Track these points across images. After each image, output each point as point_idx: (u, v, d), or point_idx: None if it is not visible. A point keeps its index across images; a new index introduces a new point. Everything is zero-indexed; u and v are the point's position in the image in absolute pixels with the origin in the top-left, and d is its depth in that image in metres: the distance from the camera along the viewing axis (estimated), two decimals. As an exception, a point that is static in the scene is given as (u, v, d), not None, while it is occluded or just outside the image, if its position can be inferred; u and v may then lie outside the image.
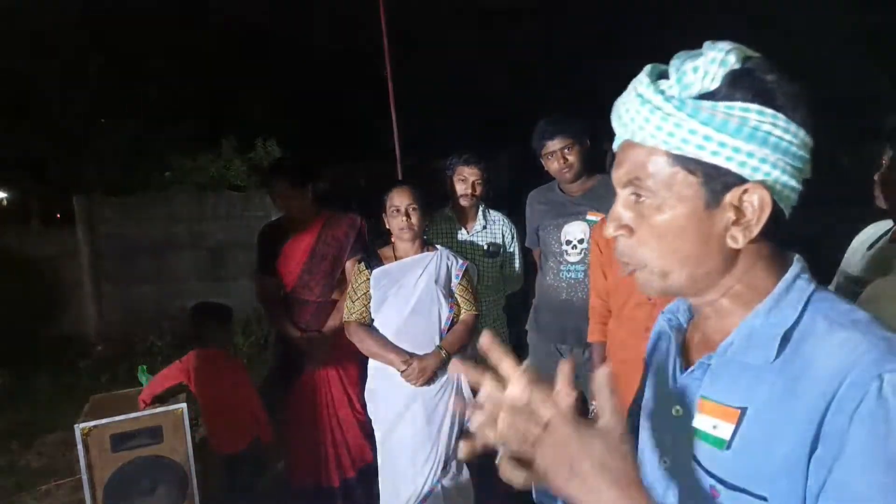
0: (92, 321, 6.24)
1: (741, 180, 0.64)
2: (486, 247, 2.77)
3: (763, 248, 0.69)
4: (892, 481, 0.55)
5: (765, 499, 0.64)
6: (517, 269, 2.89)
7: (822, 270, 1.81)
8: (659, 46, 0.71)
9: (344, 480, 2.76)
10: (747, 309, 0.69)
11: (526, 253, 2.92)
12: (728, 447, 0.67)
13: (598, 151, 2.59)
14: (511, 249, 2.87)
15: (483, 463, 2.67)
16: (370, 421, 2.49)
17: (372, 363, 2.42)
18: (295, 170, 2.74)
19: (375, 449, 2.52)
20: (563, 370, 0.63)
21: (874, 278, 1.55)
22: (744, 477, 0.66)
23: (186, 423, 2.61)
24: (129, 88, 7.76)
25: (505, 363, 0.64)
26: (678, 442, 0.74)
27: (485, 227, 2.80)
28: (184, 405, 2.63)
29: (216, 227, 6.43)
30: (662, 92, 0.65)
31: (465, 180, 2.72)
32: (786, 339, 0.66)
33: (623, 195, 0.71)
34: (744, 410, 0.67)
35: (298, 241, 2.78)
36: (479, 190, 2.74)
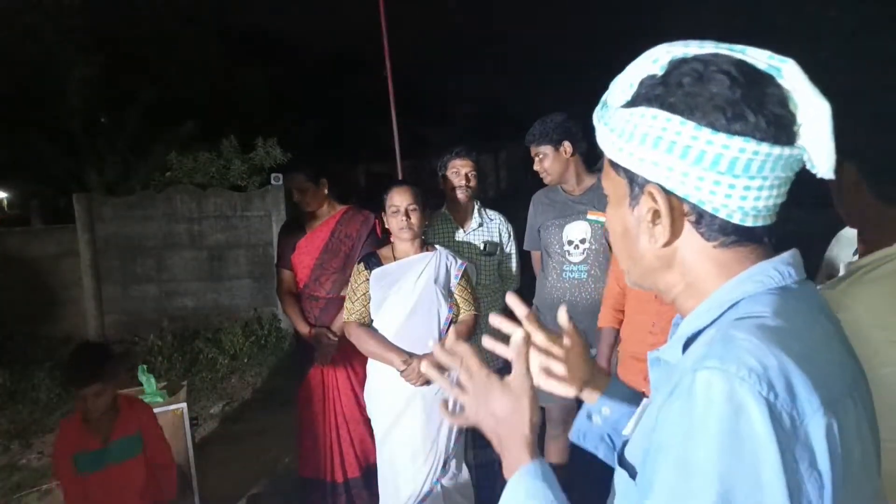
0: (92, 321, 6.24)
1: (646, 181, 0.67)
2: (483, 245, 2.78)
3: (707, 251, 0.67)
4: (682, 484, 0.55)
5: (634, 477, 0.69)
6: (514, 267, 2.90)
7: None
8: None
9: (348, 478, 2.77)
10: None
11: (524, 253, 2.92)
12: (635, 427, 0.75)
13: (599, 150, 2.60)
14: (508, 248, 2.87)
15: (483, 463, 2.68)
16: (372, 419, 2.50)
17: (371, 363, 2.42)
18: (310, 164, 2.84)
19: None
20: (514, 340, 0.80)
21: None
22: (630, 457, 0.73)
23: (186, 423, 2.62)
24: (129, 88, 7.75)
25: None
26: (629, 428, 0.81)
27: (481, 226, 2.81)
28: (184, 405, 2.64)
29: (216, 227, 6.43)
30: (604, 102, 0.71)
31: (458, 173, 2.74)
32: (694, 339, 0.67)
33: None
34: (647, 401, 0.74)
35: (313, 236, 2.84)
36: (472, 182, 2.75)
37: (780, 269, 0.66)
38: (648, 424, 0.68)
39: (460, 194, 2.74)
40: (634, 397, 0.91)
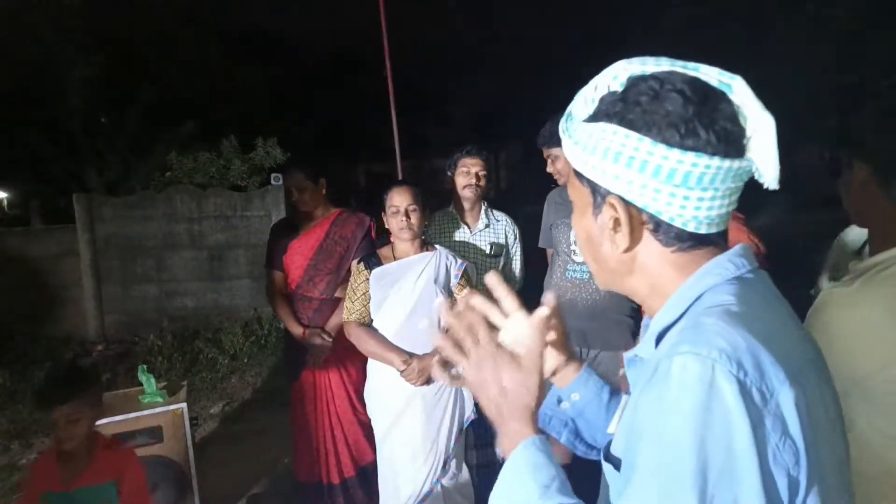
0: (92, 321, 6.24)
1: (608, 192, 0.71)
2: (488, 247, 2.77)
3: (666, 256, 0.71)
4: (661, 460, 0.58)
5: (619, 469, 0.71)
6: (518, 269, 2.89)
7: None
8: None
9: (344, 479, 2.77)
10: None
11: (527, 253, 2.93)
12: (616, 426, 0.78)
13: None
14: (513, 249, 2.87)
15: (483, 463, 2.68)
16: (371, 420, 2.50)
17: (371, 363, 2.42)
18: (310, 163, 2.82)
19: (376, 448, 2.52)
20: (536, 316, 0.81)
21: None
22: (616, 450, 0.75)
23: (186, 423, 2.62)
24: (129, 88, 7.75)
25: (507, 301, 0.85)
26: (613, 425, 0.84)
27: (488, 226, 2.80)
28: (184, 405, 2.63)
29: (216, 227, 6.44)
30: (569, 114, 0.75)
31: (469, 172, 2.72)
32: (665, 334, 0.70)
33: None
34: (627, 398, 0.77)
35: (307, 237, 2.82)
36: (483, 181, 2.74)
37: (734, 260, 0.70)
38: (628, 419, 0.71)
39: (470, 193, 2.72)
40: (604, 387, 0.95)
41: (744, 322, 0.63)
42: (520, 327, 0.84)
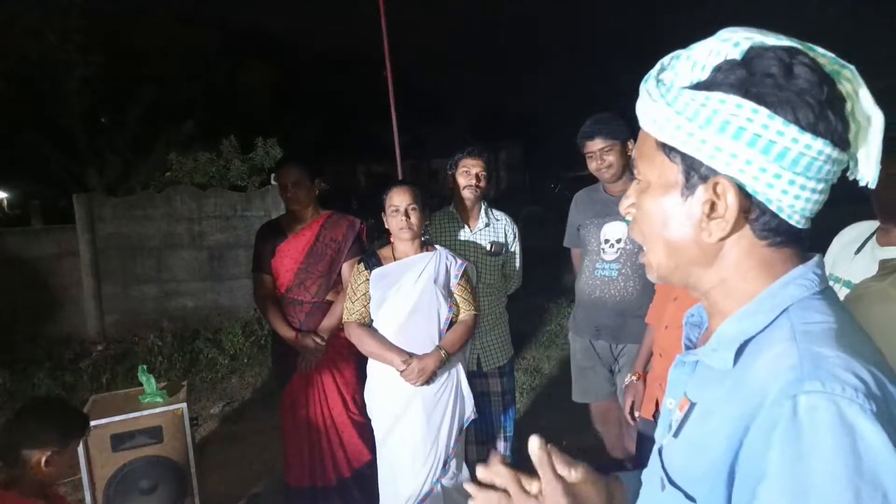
0: (92, 321, 6.24)
1: (715, 173, 0.63)
2: (489, 246, 2.78)
3: (756, 249, 0.65)
4: None
5: (694, 500, 0.64)
6: (517, 268, 2.90)
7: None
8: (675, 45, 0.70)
9: (340, 480, 2.76)
10: (736, 311, 0.67)
11: (526, 253, 2.93)
12: (675, 436, 0.69)
13: None
14: (513, 248, 2.87)
15: (483, 463, 2.67)
16: (367, 421, 2.50)
17: (371, 363, 2.42)
18: (307, 161, 2.79)
19: (372, 449, 2.52)
20: (532, 451, 0.76)
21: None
22: (680, 473, 0.67)
23: (186, 423, 2.61)
24: (129, 88, 7.76)
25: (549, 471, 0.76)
26: (662, 434, 0.76)
27: (487, 226, 2.80)
28: (184, 405, 2.63)
29: (216, 227, 6.43)
30: (660, 80, 0.66)
31: (469, 172, 2.71)
32: (745, 346, 0.64)
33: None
34: (693, 405, 0.68)
35: (296, 240, 2.78)
36: (483, 182, 2.74)
37: (816, 272, 0.65)
38: (701, 437, 0.64)
39: (470, 193, 2.72)
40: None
41: (856, 349, 0.58)
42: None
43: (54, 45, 7.31)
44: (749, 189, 0.62)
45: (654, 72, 0.68)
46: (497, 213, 2.87)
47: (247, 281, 6.45)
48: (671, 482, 0.68)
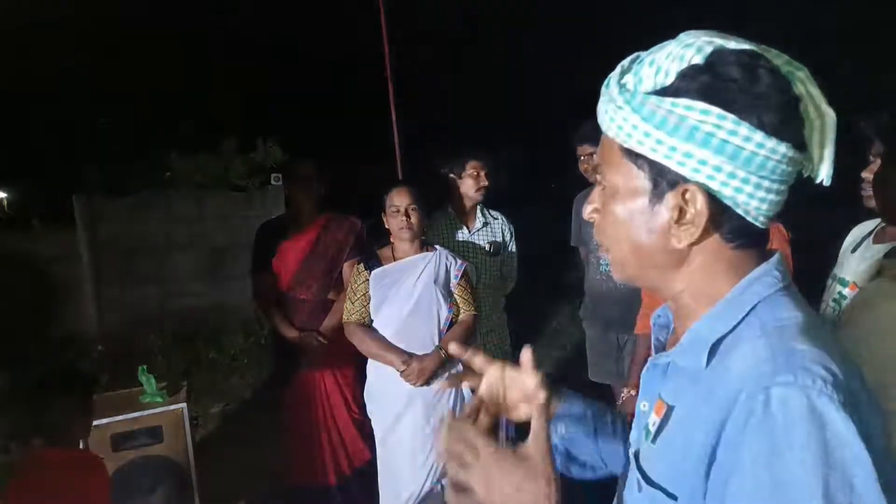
0: (92, 321, 6.23)
1: (684, 180, 0.63)
2: (487, 246, 2.78)
3: (723, 252, 0.66)
4: (779, 499, 0.53)
5: (675, 497, 0.65)
6: (514, 268, 2.91)
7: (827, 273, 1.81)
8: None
9: (341, 480, 2.77)
10: (706, 311, 0.68)
11: (523, 253, 2.95)
12: (653, 441, 0.69)
13: None
14: (510, 248, 2.87)
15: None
16: (367, 420, 2.50)
17: (371, 363, 2.42)
18: (318, 162, 2.83)
19: (372, 448, 2.52)
20: (536, 403, 0.77)
21: (859, 280, 1.56)
22: (660, 474, 0.67)
23: (186, 423, 2.62)
24: (130, 88, 7.76)
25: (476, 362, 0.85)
26: (638, 437, 0.76)
27: (485, 226, 2.81)
28: (184, 405, 2.63)
29: (216, 227, 6.43)
30: (622, 85, 0.65)
31: (478, 174, 2.72)
32: (717, 346, 0.65)
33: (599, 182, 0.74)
34: (671, 409, 0.68)
35: (297, 239, 2.79)
36: (487, 182, 2.75)
37: (778, 269, 0.66)
38: (682, 438, 0.65)
39: (479, 195, 2.73)
40: (586, 408, 0.92)
41: (824, 343, 0.59)
42: (517, 388, 0.84)
43: (55, 45, 7.31)
44: (718, 194, 0.62)
45: (615, 75, 0.67)
46: (494, 213, 2.87)
47: (247, 281, 6.44)
48: (649, 483, 0.68)
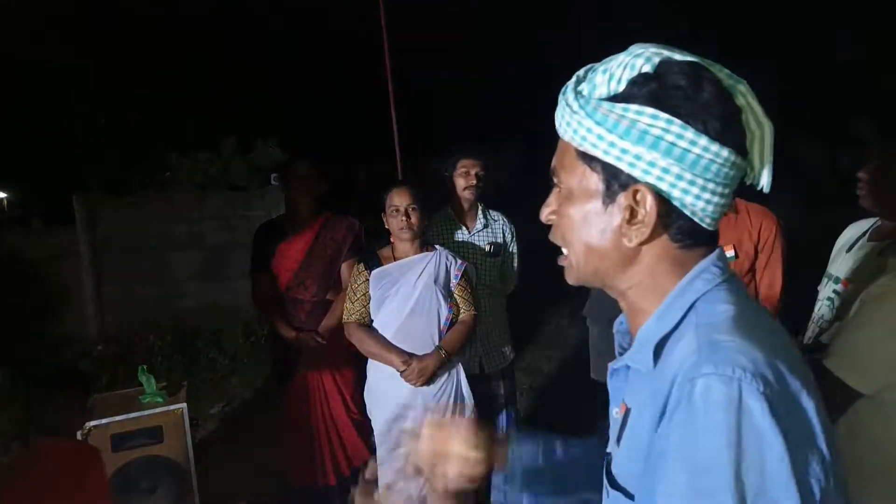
0: (92, 321, 6.23)
1: (635, 181, 0.66)
2: (487, 247, 2.77)
3: (669, 251, 0.69)
4: (696, 485, 0.56)
5: (632, 497, 0.68)
6: (515, 268, 2.90)
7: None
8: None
9: (340, 479, 2.77)
10: (654, 311, 0.71)
11: (524, 253, 2.93)
12: (618, 442, 0.72)
13: None
14: (511, 249, 2.87)
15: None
16: (366, 420, 2.50)
17: (371, 363, 2.42)
18: (318, 162, 2.82)
19: (372, 448, 2.52)
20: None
21: (856, 278, 1.57)
22: (622, 475, 0.71)
23: (186, 423, 2.62)
24: (130, 88, 7.75)
25: None
26: (611, 442, 0.78)
27: (486, 227, 2.80)
28: (184, 405, 2.64)
29: (216, 227, 6.43)
30: (578, 92, 0.69)
31: (468, 173, 2.70)
32: (663, 345, 0.67)
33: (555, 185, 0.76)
34: (629, 410, 0.72)
35: (296, 239, 2.79)
36: (481, 182, 2.73)
37: (718, 264, 0.69)
38: (636, 438, 0.67)
39: (469, 194, 2.71)
40: (539, 443, 0.93)
41: (754, 333, 0.61)
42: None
43: (55, 44, 7.31)
44: (666, 195, 0.66)
45: (571, 83, 0.70)
46: (494, 214, 2.86)
47: (247, 281, 6.45)
48: (613, 485, 0.71)
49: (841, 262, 1.70)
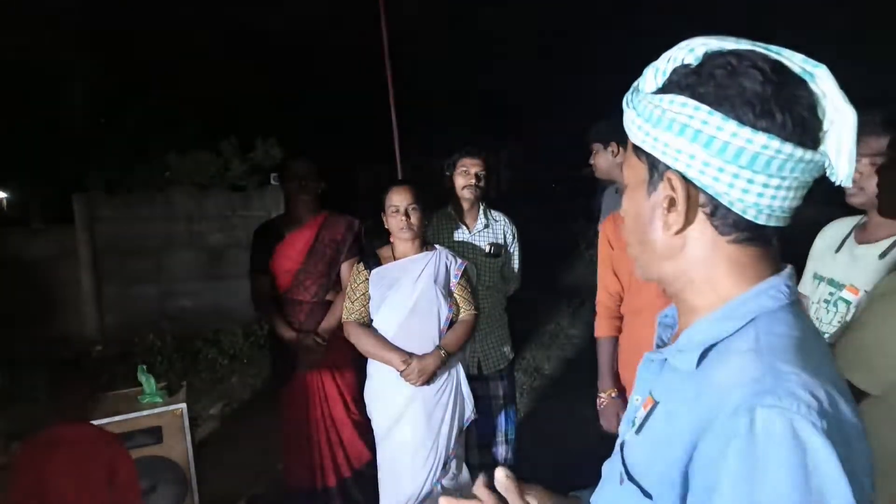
0: (92, 321, 6.23)
1: (667, 168, 0.67)
2: (488, 247, 2.76)
3: (720, 245, 0.68)
4: None
5: (650, 496, 0.66)
6: (516, 268, 2.89)
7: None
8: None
9: (340, 480, 2.76)
10: (707, 313, 0.69)
11: (526, 253, 2.93)
12: (637, 432, 0.71)
13: None
14: (512, 249, 2.86)
15: (483, 463, 2.67)
16: (366, 421, 2.50)
17: (371, 363, 2.42)
18: (316, 161, 2.81)
19: (372, 449, 2.52)
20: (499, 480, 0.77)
21: (852, 281, 1.56)
22: (639, 470, 0.69)
23: (186, 423, 2.61)
24: (130, 88, 7.75)
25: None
26: (626, 429, 0.78)
27: (486, 227, 2.79)
28: (183, 405, 2.63)
29: (216, 227, 6.43)
30: (635, 88, 0.72)
31: (468, 171, 2.69)
32: (710, 350, 0.66)
33: None
34: (657, 404, 0.70)
35: (295, 240, 2.77)
36: (482, 181, 2.72)
37: (788, 284, 0.67)
38: (660, 434, 0.67)
39: (469, 194, 2.70)
40: None
41: (816, 366, 0.60)
42: None
43: (55, 44, 7.31)
44: (697, 182, 0.65)
45: (635, 83, 0.73)
46: (495, 214, 2.86)
47: (247, 281, 6.44)
48: (630, 477, 0.70)
49: (832, 266, 1.67)
